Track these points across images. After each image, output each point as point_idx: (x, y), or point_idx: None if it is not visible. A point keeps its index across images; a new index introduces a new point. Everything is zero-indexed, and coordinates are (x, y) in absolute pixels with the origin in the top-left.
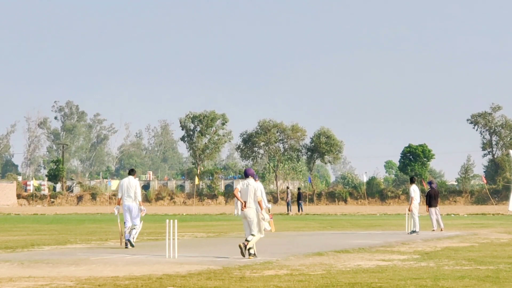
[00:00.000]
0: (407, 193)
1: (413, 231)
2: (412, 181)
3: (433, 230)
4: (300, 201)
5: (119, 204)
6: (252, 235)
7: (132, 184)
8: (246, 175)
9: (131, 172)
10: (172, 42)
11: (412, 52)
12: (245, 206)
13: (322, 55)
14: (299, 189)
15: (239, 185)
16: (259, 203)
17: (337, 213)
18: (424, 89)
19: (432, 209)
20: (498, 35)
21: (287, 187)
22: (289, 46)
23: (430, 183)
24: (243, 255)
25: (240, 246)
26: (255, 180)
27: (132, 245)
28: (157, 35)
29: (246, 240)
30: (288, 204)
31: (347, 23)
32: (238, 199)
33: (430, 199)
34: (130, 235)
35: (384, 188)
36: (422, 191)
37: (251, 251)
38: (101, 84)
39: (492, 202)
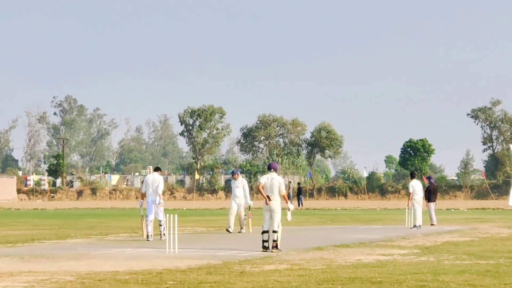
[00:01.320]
0: (407, 188)
1: (415, 226)
2: (412, 176)
3: (432, 224)
4: (300, 196)
5: (142, 198)
6: (275, 231)
7: (157, 180)
8: (269, 168)
9: (157, 169)
10: (171, 36)
11: (412, 46)
12: (269, 200)
13: (322, 49)
14: (299, 183)
15: (262, 179)
16: (283, 197)
17: (337, 208)
18: (424, 84)
19: (431, 204)
20: (498, 30)
21: (289, 182)
22: (289, 40)
23: (429, 178)
24: (266, 249)
25: (265, 247)
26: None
27: (164, 235)
28: (156, 29)
29: (274, 240)
30: (289, 199)
31: (347, 17)
32: (262, 194)
33: (430, 194)
34: (161, 229)
35: (384, 183)
36: (422, 186)
37: (278, 245)
38: (100, 79)
39: (492, 196)
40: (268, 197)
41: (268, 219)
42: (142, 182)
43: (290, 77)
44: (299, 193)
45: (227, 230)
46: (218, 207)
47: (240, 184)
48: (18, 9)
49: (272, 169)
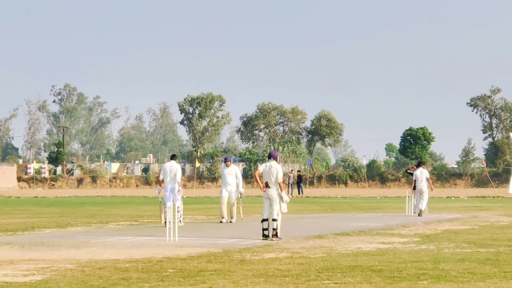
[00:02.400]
0: (407, 176)
1: (420, 211)
2: (419, 165)
3: (415, 213)
4: (300, 184)
5: (160, 185)
6: (275, 220)
7: (174, 168)
8: (269, 157)
9: (173, 157)
10: (172, 24)
11: (411, 35)
12: (266, 187)
13: (322, 37)
14: (299, 171)
15: (261, 166)
16: (279, 184)
17: (338, 196)
18: (424, 72)
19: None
20: (497, 18)
21: (291, 170)
22: (289, 28)
23: (418, 165)
24: (266, 238)
25: (265, 235)
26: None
27: (180, 222)
28: (156, 17)
29: (274, 229)
30: (290, 187)
31: (346, 5)
32: (257, 181)
33: (416, 182)
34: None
35: (385, 171)
36: None
37: (278, 234)
38: (100, 68)
39: (492, 185)
40: (267, 184)
41: (268, 207)
42: (160, 169)
43: (290, 65)
44: (299, 181)
45: (221, 222)
46: (218, 195)
47: (233, 171)
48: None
49: (272, 158)
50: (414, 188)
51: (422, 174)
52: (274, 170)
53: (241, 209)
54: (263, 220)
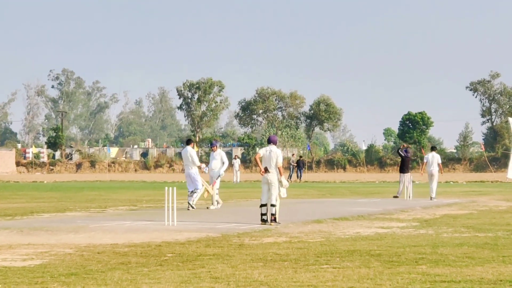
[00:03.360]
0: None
1: (431, 198)
2: (432, 149)
3: (396, 196)
4: (301, 169)
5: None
6: (273, 205)
7: (188, 153)
8: (269, 141)
9: (188, 142)
10: (171, 8)
11: (411, 19)
12: (265, 171)
13: (320, 22)
14: (301, 157)
15: (261, 150)
16: (279, 169)
17: (336, 181)
18: (423, 56)
19: (403, 176)
20: (497, 3)
21: (293, 154)
22: (287, 13)
23: (405, 150)
24: (265, 222)
25: (264, 220)
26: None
27: (192, 207)
28: (155, 1)
29: (272, 214)
30: (291, 171)
31: None
32: (258, 165)
33: (403, 165)
34: (191, 199)
35: (383, 156)
36: (421, 158)
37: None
38: (98, 53)
39: (491, 169)
40: (266, 168)
41: (266, 192)
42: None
43: (288, 50)
44: (299, 166)
45: (208, 208)
46: None
47: (218, 156)
48: None
49: (272, 142)
50: (401, 171)
51: (434, 158)
52: (274, 154)
53: (211, 188)
54: (262, 205)
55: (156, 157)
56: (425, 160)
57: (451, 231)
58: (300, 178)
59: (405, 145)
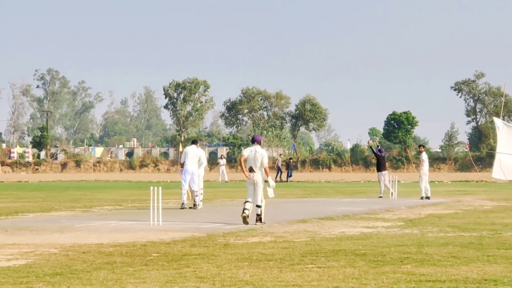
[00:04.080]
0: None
1: (427, 197)
2: (420, 148)
3: (380, 197)
4: (289, 170)
5: (182, 167)
6: (258, 206)
7: (197, 153)
8: (253, 141)
9: (194, 142)
10: (157, 8)
11: (396, 19)
12: (250, 171)
13: (306, 22)
14: (290, 158)
15: (246, 151)
16: (265, 169)
17: (321, 180)
18: (408, 56)
19: (380, 174)
20: (482, 3)
21: (280, 155)
22: (273, 12)
23: (379, 150)
24: (247, 223)
25: (246, 213)
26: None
27: (198, 207)
28: (141, 1)
29: (258, 214)
30: (280, 171)
31: None
32: (241, 167)
33: (379, 165)
34: (195, 199)
35: (368, 155)
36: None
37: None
38: (84, 52)
39: (476, 169)
40: (251, 168)
41: (252, 192)
42: (181, 152)
43: (274, 50)
44: (287, 167)
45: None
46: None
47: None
48: None
49: (256, 142)
50: (378, 170)
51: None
52: (259, 155)
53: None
54: (246, 202)
55: (141, 157)
56: (424, 159)
57: (436, 231)
58: (288, 178)
59: (371, 142)
